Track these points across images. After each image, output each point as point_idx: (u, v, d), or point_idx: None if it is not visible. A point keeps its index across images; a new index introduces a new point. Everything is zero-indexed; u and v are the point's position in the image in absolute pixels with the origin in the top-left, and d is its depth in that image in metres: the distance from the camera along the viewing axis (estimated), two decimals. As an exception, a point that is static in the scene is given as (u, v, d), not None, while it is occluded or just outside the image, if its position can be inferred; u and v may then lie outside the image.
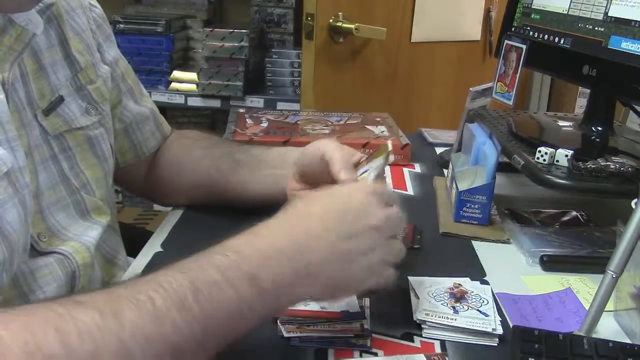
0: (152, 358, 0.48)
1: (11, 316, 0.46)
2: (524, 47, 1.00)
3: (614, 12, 0.88)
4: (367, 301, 0.69)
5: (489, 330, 0.65)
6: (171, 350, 0.49)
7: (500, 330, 0.65)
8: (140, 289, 0.50)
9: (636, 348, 0.60)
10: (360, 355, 0.62)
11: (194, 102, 2.19)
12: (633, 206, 0.66)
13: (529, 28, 1.06)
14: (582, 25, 0.94)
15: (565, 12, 0.97)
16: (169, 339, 0.49)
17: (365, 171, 0.73)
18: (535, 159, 0.88)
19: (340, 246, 0.59)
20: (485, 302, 0.70)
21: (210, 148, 0.94)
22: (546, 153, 0.87)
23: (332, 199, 0.64)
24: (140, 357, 0.47)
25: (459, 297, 0.70)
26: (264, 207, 0.67)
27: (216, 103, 2.17)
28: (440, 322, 0.66)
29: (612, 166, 0.82)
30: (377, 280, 0.62)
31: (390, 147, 0.73)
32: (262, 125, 1.27)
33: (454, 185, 0.95)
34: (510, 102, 1.03)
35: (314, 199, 0.65)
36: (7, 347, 0.44)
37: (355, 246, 0.60)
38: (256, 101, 2.15)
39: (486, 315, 0.67)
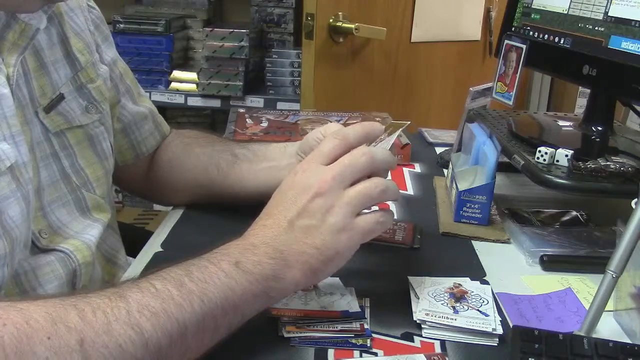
0: (160, 332, 0.52)
1: (31, 298, 0.51)
2: (524, 47, 1.00)
3: (614, 12, 0.88)
4: (367, 301, 0.69)
5: (489, 330, 0.64)
6: (176, 325, 0.53)
7: (500, 330, 0.65)
8: (140, 280, 0.56)
9: (636, 348, 0.60)
10: (360, 355, 0.62)
11: (194, 102, 2.19)
12: (633, 206, 0.66)
13: (529, 28, 1.06)
14: (582, 25, 0.94)
15: (565, 12, 0.97)
16: (173, 315, 0.53)
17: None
18: (535, 159, 0.88)
19: (295, 225, 0.62)
20: (485, 302, 0.70)
21: (209, 146, 0.94)
22: (546, 153, 0.87)
23: (278, 188, 0.66)
24: (149, 329, 0.51)
25: (459, 297, 0.70)
26: (264, 206, 0.67)
27: (216, 103, 2.18)
28: (440, 322, 0.66)
29: (612, 166, 0.82)
30: (354, 234, 0.62)
31: (406, 123, 0.72)
32: (262, 125, 1.27)
33: (454, 185, 0.95)
34: (510, 102, 1.03)
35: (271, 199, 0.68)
36: (31, 317, 0.48)
37: (308, 219, 0.62)
38: (256, 101, 2.16)
39: (486, 315, 0.67)
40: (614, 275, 0.64)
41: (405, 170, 1.17)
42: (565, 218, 0.96)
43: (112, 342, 0.49)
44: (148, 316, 0.52)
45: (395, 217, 0.96)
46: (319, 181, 0.62)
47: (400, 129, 0.71)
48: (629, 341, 0.66)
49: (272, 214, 0.64)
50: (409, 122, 0.71)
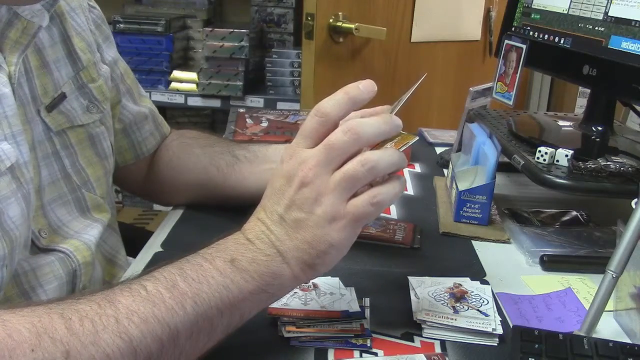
0: (150, 339, 0.51)
1: (18, 308, 0.50)
2: (524, 47, 1.00)
3: (614, 11, 0.88)
4: (367, 301, 0.69)
5: (489, 330, 0.65)
6: (167, 330, 0.52)
7: (500, 330, 0.65)
8: (134, 281, 0.54)
9: (636, 348, 0.60)
10: (360, 355, 0.62)
11: (194, 102, 2.19)
12: (633, 206, 0.66)
13: (529, 28, 1.06)
14: (582, 25, 0.94)
15: (566, 12, 0.97)
16: (164, 319, 0.52)
17: None
18: (535, 159, 0.88)
19: (285, 219, 0.58)
20: (485, 302, 0.70)
21: (210, 146, 0.94)
22: (546, 153, 0.87)
23: (270, 179, 0.62)
24: (138, 336, 0.50)
25: (459, 297, 0.70)
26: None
27: (216, 103, 2.18)
28: (440, 322, 0.66)
29: (612, 166, 0.82)
30: (346, 223, 0.58)
31: (415, 138, 0.66)
32: (262, 125, 1.27)
33: (454, 185, 0.95)
34: (510, 102, 1.03)
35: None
36: (15, 329, 0.47)
37: (296, 212, 0.58)
38: (256, 101, 2.16)
39: (486, 315, 0.67)
40: (614, 275, 0.64)
41: (405, 170, 1.17)
42: (565, 218, 0.96)
43: (99, 352, 0.48)
44: (137, 322, 0.50)
45: (396, 217, 0.96)
46: (302, 169, 0.58)
47: (410, 142, 0.65)
48: (629, 341, 0.66)
49: (265, 206, 0.60)
50: (417, 138, 0.66)
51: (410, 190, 1.08)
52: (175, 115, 2.48)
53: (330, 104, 0.59)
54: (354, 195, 0.59)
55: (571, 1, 0.96)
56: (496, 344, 0.64)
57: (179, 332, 0.52)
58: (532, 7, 1.05)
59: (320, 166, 0.58)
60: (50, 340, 0.47)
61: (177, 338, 0.52)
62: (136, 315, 0.51)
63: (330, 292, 0.70)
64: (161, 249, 0.83)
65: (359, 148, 0.59)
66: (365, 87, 0.60)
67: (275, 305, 0.65)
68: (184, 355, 0.54)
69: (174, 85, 2.21)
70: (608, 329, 0.68)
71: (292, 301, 0.67)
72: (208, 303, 0.54)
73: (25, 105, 0.70)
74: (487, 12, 2.03)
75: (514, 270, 0.81)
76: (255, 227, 0.60)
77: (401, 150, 0.62)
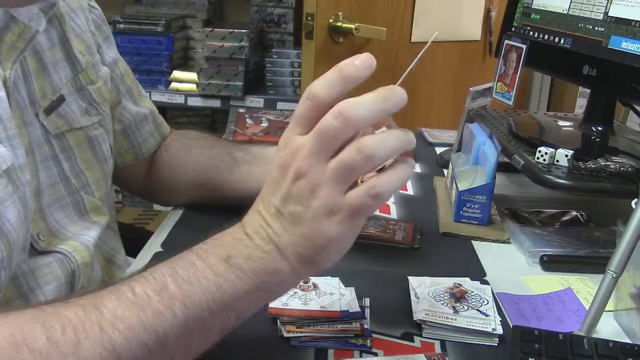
0: (135, 345, 0.48)
1: (2, 313, 0.48)
2: (524, 47, 1.00)
3: (614, 12, 0.88)
4: (367, 301, 0.69)
5: (489, 330, 0.65)
6: (153, 335, 0.49)
7: (500, 330, 0.65)
8: (123, 282, 0.52)
9: (636, 348, 0.60)
10: (360, 355, 0.62)
11: (194, 102, 2.19)
12: (633, 206, 0.66)
13: (529, 28, 1.06)
14: (582, 25, 0.94)
15: (565, 12, 0.97)
16: (151, 325, 0.49)
17: None
18: (535, 159, 0.88)
19: (282, 212, 0.55)
20: (485, 302, 0.70)
21: (209, 147, 0.94)
22: (546, 153, 0.87)
23: (268, 174, 0.59)
24: (122, 343, 0.48)
25: (459, 297, 0.70)
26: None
27: (216, 103, 2.18)
28: (440, 322, 0.66)
29: (612, 166, 0.82)
30: (344, 216, 0.53)
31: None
32: (262, 125, 1.27)
33: (454, 185, 0.95)
34: (510, 102, 1.03)
35: None
36: None
37: (293, 205, 0.54)
38: (256, 101, 2.16)
39: (486, 315, 0.67)
40: (614, 275, 0.64)
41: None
42: (565, 218, 0.96)
43: None
44: (121, 329, 0.48)
45: (396, 217, 0.96)
46: (296, 159, 0.53)
47: None
48: (629, 341, 0.66)
49: (263, 198, 0.57)
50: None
51: (410, 190, 1.08)
52: (175, 115, 2.48)
53: (320, 84, 0.54)
54: (356, 184, 0.55)
55: (571, 1, 0.96)
56: (496, 344, 0.64)
57: (167, 337, 0.50)
58: (532, 7, 1.05)
59: (312, 156, 0.53)
60: (29, 351, 0.45)
61: (165, 343, 0.50)
62: (120, 321, 0.48)
63: (330, 292, 0.70)
64: (161, 249, 0.83)
65: (354, 132, 0.53)
66: (362, 62, 0.55)
67: (275, 305, 0.65)
68: (175, 359, 0.52)
69: (174, 85, 2.21)
70: (608, 329, 0.68)
71: (292, 301, 0.67)
72: (199, 304, 0.52)
73: (22, 109, 0.69)
74: (487, 12, 2.03)
75: (514, 270, 0.81)
76: (253, 220, 0.57)
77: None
